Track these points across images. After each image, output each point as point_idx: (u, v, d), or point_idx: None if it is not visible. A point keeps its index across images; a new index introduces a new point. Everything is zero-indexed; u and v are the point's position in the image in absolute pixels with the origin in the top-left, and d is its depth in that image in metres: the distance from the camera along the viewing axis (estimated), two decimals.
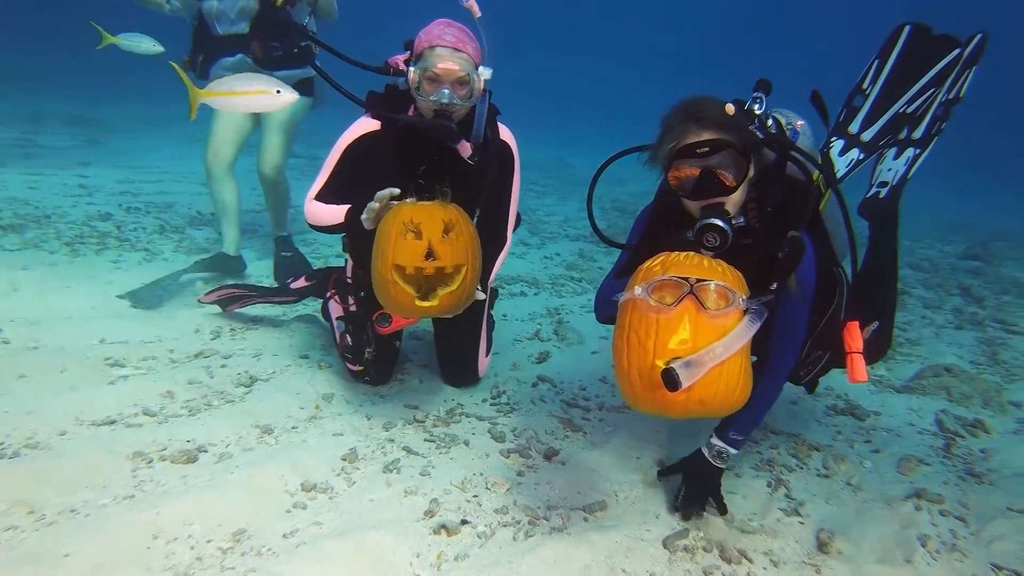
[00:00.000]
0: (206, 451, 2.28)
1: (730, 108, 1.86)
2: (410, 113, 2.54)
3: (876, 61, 2.61)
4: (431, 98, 2.38)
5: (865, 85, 2.60)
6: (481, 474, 2.38)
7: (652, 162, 2.03)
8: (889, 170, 2.61)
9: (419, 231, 2.15)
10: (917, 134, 2.56)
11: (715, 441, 2.28)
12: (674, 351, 1.53)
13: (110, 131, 9.29)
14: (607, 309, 2.23)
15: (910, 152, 2.59)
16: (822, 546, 2.21)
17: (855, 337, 2.09)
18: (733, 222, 1.88)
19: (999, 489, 2.72)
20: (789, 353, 2.14)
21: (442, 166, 2.53)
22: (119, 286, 3.62)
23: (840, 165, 2.47)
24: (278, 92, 2.55)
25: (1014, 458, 2.99)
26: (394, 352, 2.99)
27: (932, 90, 2.45)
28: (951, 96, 2.53)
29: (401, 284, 2.16)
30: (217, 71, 3.97)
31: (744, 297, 1.59)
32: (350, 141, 2.59)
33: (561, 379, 3.30)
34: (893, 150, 2.63)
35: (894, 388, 3.66)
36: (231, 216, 4.13)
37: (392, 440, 2.53)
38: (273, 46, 3.89)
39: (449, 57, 2.37)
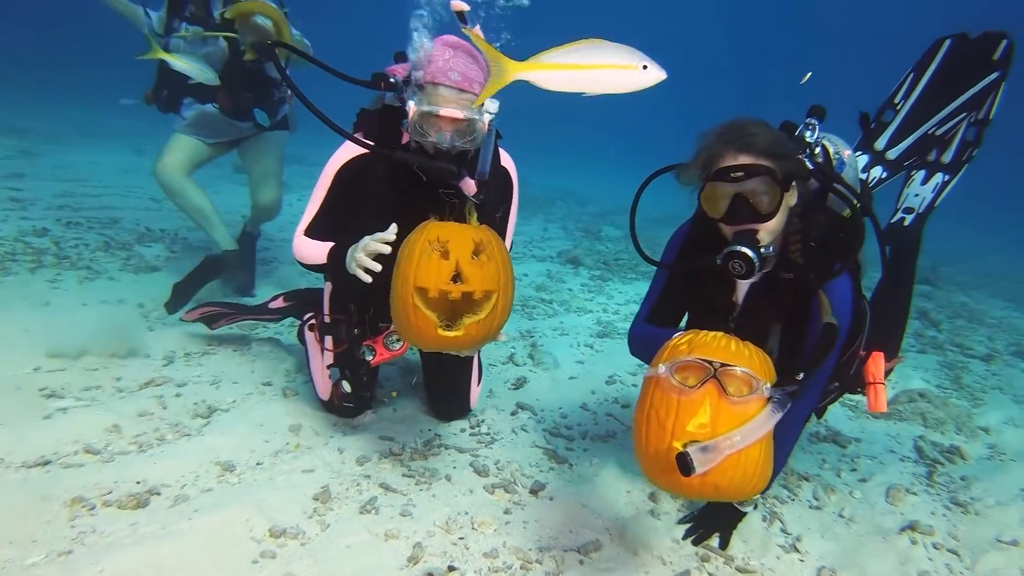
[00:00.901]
0: (159, 494, 2.03)
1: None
2: (406, 136, 2.31)
3: (911, 75, 2.53)
4: (431, 139, 2.16)
5: (897, 99, 2.53)
6: (466, 513, 2.21)
7: (683, 178, 1.96)
8: (916, 195, 2.53)
9: (446, 251, 1.92)
10: (947, 158, 2.48)
11: None
12: (692, 434, 1.51)
13: (46, 141, 8.77)
14: (640, 351, 2.25)
15: (939, 178, 2.51)
16: None
17: (879, 368, 2.05)
18: (762, 251, 1.82)
19: (985, 519, 2.69)
20: (813, 395, 2.07)
21: (449, 207, 2.31)
22: (58, 307, 3.31)
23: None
24: (644, 68, 1.91)
25: (993, 486, 2.97)
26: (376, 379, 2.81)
27: (964, 114, 2.40)
28: (980, 117, 2.45)
29: (423, 309, 1.92)
30: (191, 112, 3.83)
31: (768, 385, 1.56)
32: (342, 163, 2.35)
33: (541, 406, 3.15)
34: (922, 173, 2.55)
35: (870, 414, 3.64)
36: (211, 217, 3.93)
37: (368, 476, 2.33)
38: (245, 96, 3.76)
39: (454, 101, 2.11)
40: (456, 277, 1.90)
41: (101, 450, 2.21)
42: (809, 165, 1.94)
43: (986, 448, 3.43)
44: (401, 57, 2.37)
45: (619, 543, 2.19)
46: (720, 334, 1.70)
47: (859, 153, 2.52)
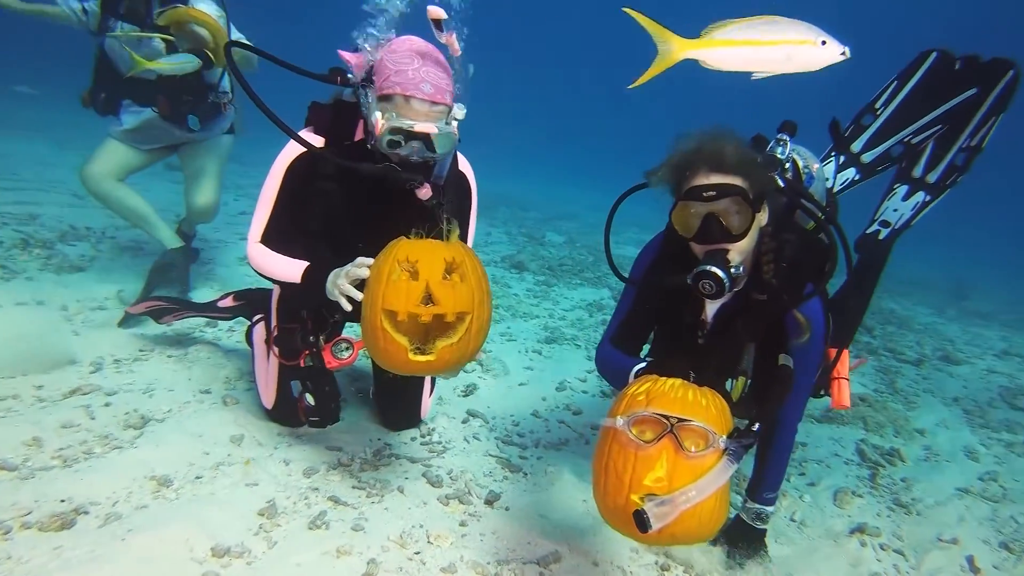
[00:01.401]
0: (87, 512, 1.86)
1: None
2: (359, 132, 2.21)
3: (895, 83, 2.57)
4: (401, 152, 2.02)
5: (878, 105, 2.57)
6: (421, 526, 2.12)
7: (654, 183, 1.95)
8: (895, 211, 2.56)
9: (416, 271, 1.82)
10: (932, 178, 2.51)
11: (751, 505, 2.24)
12: (649, 488, 1.52)
13: None
14: (606, 375, 2.25)
15: (920, 197, 2.54)
16: None
17: (845, 364, 2.10)
18: (732, 271, 1.82)
19: (926, 519, 2.79)
20: (801, 404, 2.11)
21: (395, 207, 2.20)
22: None
23: (835, 182, 2.45)
24: (823, 43, 1.76)
25: (931, 487, 3.09)
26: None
27: (939, 126, 2.43)
28: (972, 143, 2.48)
29: (392, 333, 1.81)
30: (130, 117, 3.60)
31: (724, 438, 1.56)
32: (291, 160, 2.18)
33: (492, 414, 3.09)
34: (904, 188, 2.57)
35: (814, 418, 3.73)
36: (150, 218, 3.74)
37: (316, 489, 2.21)
38: (185, 100, 3.55)
39: (427, 113, 1.99)
40: (428, 299, 1.80)
41: (19, 466, 2.01)
42: (780, 182, 1.94)
43: (922, 449, 3.57)
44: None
45: (578, 554, 2.14)
46: (678, 382, 1.66)
47: (834, 155, 2.56)
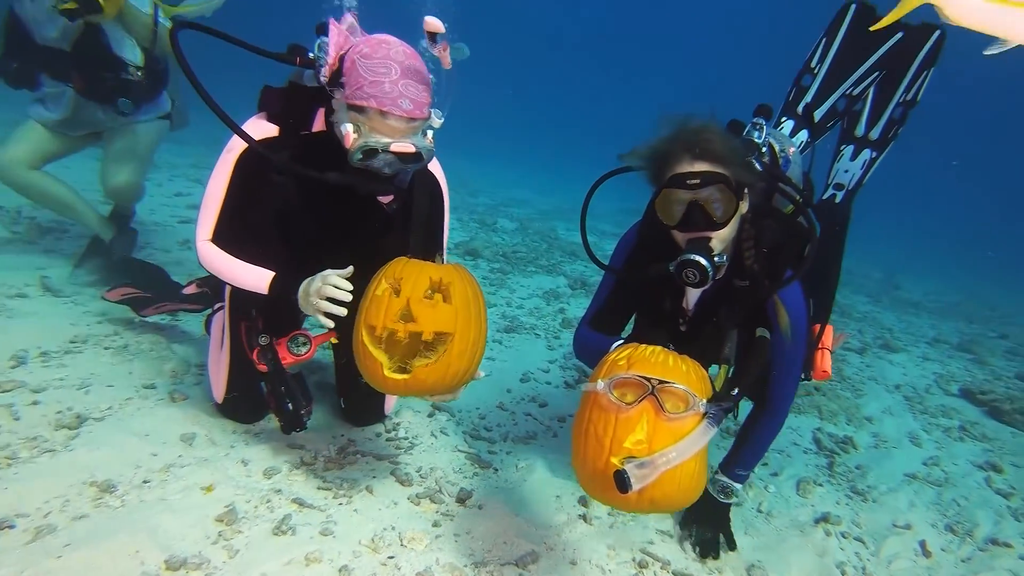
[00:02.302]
0: (11, 527, 1.66)
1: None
2: (318, 121, 2.02)
3: (824, 39, 2.58)
4: (374, 165, 1.85)
5: (813, 64, 2.58)
6: (393, 528, 2.00)
7: (641, 171, 1.90)
8: (846, 172, 2.60)
9: (399, 288, 1.77)
10: (874, 135, 2.55)
11: (720, 477, 2.24)
12: (629, 450, 1.51)
13: None
14: (582, 356, 2.22)
15: (866, 155, 2.59)
16: None
17: (829, 337, 2.13)
18: (716, 260, 1.80)
19: (881, 506, 2.87)
20: (790, 391, 2.10)
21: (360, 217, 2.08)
22: None
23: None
24: None
25: (883, 474, 3.19)
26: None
27: (877, 72, 2.46)
28: (908, 98, 2.53)
29: (371, 348, 1.76)
30: (52, 103, 3.27)
31: (704, 401, 1.56)
32: (242, 151, 1.96)
33: (458, 407, 2.98)
34: (850, 148, 2.61)
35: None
36: (77, 207, 3.44)
37: (278, 491, 2.06)
38: (103, 76, 3.21)
39: (404, 130, 1.83)
40: (408, 316, 1.75)
41: None
42: (758, 166, 1.92)
43: (871, 437, 3.68)
44: (323, 30, 1.98)
45: (555, 553, 2.08)
46: (659, 349, 1.65)
47: (784, 118, 2.57)
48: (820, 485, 2.93)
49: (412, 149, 1.82)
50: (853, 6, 2.56)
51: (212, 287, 2.80)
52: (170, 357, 2.78)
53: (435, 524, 2.09)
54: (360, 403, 2.58)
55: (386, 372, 1.75)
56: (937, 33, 2.47)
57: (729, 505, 2.29)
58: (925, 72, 2.51)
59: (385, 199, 2.00)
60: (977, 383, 4.96)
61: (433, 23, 1.78)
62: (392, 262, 1.86)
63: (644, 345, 1.67)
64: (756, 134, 1.98)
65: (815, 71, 2.58)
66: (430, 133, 1.90)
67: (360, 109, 1.81)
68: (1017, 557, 2.57)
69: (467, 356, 1.82)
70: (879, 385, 4.61)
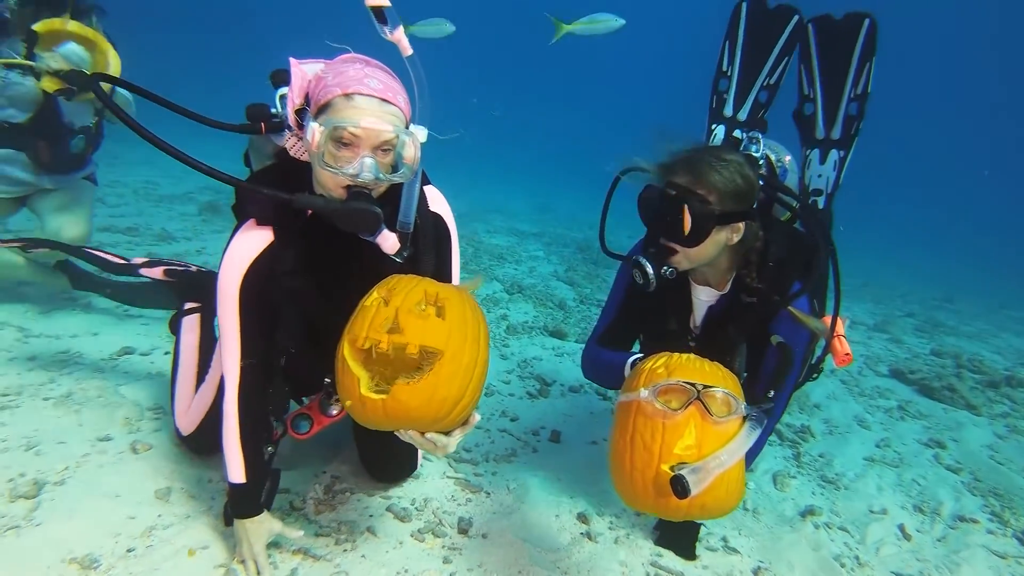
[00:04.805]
0: None
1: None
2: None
3: (727, 43, 2.66)
4: (347, 170, 1.57)
5: (724, 68, 2.65)
6: (406, 571, 1.91)
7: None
8: (819, 176, 2.63)
9: (389, 299, 1.55)
10: (835, 134, 2.59)
11: None
12: (680, 456, 1.50)
13: None
14: (596, 374, 2.23)
15: (835, 155, 2.62)
16: None
17: (840, 327, 2.18)
18: (665, 271, 1.90)
19: (853, 492, 3.00)
20: (781, 405, 2.13)
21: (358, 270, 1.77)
22: None
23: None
24: None
25: (845, 460, 3.34)
26: None
27: (786, 58, 2.56)
28: (858, 91, 2.58)
29: (349, 362, 1.53)
30: None
31: (745, 404, 1.58)
32: (244, 271, 1.72)
33: None
34: (816, 153, 2.64)
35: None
36: (20, 270, 3.17)
37: (276, 544, 1.91)
38: (69, 146, 3.02)
39: (376, 112, 1.56)
40: (395, 329, 1.52)
41: None
42: (759, 182, 1.95)
43: (823, 423, 3.85)
44: (282, 78, 1.78)
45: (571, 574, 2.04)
46: (692, 356, 1.67)
47: (714, 125, 2.63)
48: (793, 477, 3.03)
49: (384, 127, 1.55)
50: (744, 4, 2.64)
51: (187, 284, 2.49)
52: (120, 402, 2.53)
53: (446, 561, 2.01)
54: (388, 460, 2.35)
55: (362, 390, 1.50)
56: (867, 21, 2.50)
57: (699, 525, 2.33)
58: (867, 63, 2.54)
59: (389, 248, 1.71)
60: (901, 362, 5.32)
61: None
62: (390, 276, 1.66)
63: (676, 354, 1.68)
64: (753, 148, 2.03)
65: (727, 73, 2.66)
66: (416, 144, 1.65)
67: (326, 106, 1.58)
68: (985, 532, 2.75)
69: (458, 382, 1.53)
70: None
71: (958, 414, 4.31)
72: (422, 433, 1.62)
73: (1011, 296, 11.01)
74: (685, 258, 1.88)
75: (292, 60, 1.70)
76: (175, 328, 2.38)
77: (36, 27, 2.67)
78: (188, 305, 2.34)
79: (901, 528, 2.69)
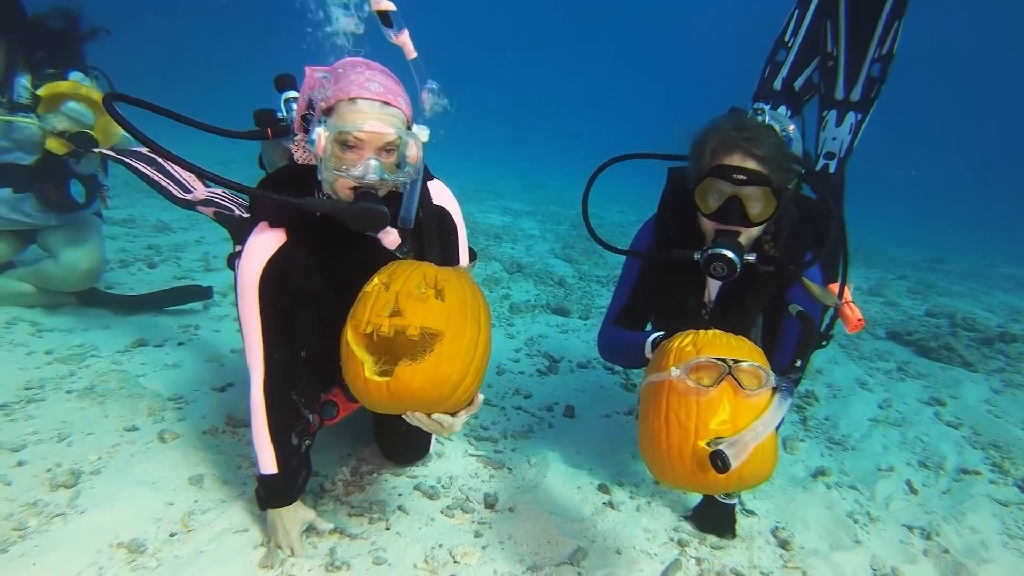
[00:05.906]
0: None
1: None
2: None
3: (796, 11, 2.57)
4: (353, 172, 1.63)
5: (787, 37, 2.58)
6: (441, 545, 1.97)
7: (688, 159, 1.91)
8: (834, 139, 2.58)
9: (390, 284, 1.59)
10: (855, 96, 2.51)
11: None
12: (716, 431, 1.52)
13: None
14: (613, 356, 2.24)
15: (852, 118, 2.56)
16: (784, 545, 2.24)
17: (848, 294, 2.21)
18: (745, 256, 1.84)
19: (860, 452, 3.08)
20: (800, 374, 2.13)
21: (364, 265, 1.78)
22: None
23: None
24: None
25: (852, 422, 3.42)
26: None
27: (845, 36, 2.46)
28: (883, 52, 2.49)
29: (353, 346, 1.56)
30: None
31: (775, 376, 1.58)
32: (260, 270, 1.77)
33: None
34: (833, 114, 2.58)
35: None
36: (32, 297, 3.26)
37: (311, 527, 1.96)
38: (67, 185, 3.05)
39: (377, 115, 1.62)
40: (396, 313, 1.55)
41: None
42: (798, 170, 1.94)
43: (826, 387, 3.93)
44: (286, 83, 1.83)
45: (599, 545, 2.10)
46: (717, 332, 1.69)
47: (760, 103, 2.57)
48: (802, 441, 3.11)
49: (390, 131, 1.62)
50: None
51: (234, 224, 2.49)
52: (142, 393, 2.56)
53: (476, 535, 2.06)
54: (400, 439, 2.39)
55: (367, 373, 1.54)
56: None
57: (733, 506, 2.32)
58: (896, 22, 2.46)
59: (391, 243, 1.78)
60: (898, 324, 5.42)
61: (382, 1, 1.62)
62: (391, 262, 1.71)
63: (702, 331, 1.70)
64: (759, 118, 2.03)
65: (789, 44, 2.60)
66: (418, 144, 1.71)
67: (329, 111, 1.65)
68: (988, 482, 2.85)
69: (460, 361, 1.56)
70: None
71: (955, 372, 4.42)
72: (428, 415, 1.66)
73: (1000, 255, 11.19)
74: (747, 238, 1.88)
75: (307, 68, 1.75)
76: (233, 264, 2.34)
77: (40, 92, 2.75)
78: (237, 248, 2.32)
79: (908, 483, 2.78)
